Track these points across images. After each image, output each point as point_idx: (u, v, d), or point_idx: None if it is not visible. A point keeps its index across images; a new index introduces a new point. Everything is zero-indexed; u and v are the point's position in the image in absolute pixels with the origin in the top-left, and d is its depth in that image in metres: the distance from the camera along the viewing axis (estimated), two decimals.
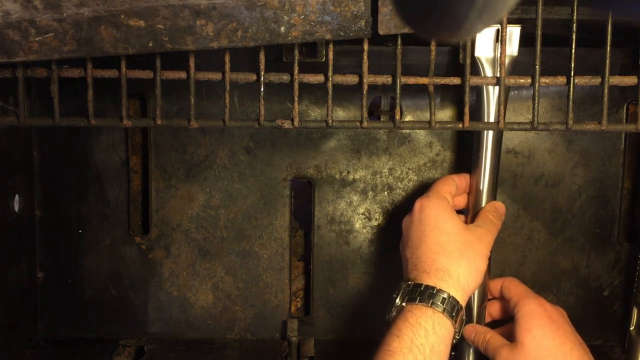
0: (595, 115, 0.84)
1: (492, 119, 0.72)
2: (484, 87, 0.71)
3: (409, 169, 0.87)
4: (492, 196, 0.77)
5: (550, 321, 0.71)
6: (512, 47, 0.70)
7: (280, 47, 0.75)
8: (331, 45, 0.62)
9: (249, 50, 0.60)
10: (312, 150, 0.87)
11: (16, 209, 0.82)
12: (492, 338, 0.73)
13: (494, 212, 0.75)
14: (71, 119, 0.65)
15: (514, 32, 0.70)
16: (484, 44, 0.70)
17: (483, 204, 0.76)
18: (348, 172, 0.87)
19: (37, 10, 0.55)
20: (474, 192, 0.77)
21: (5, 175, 0.80)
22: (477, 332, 0.75)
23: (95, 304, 0.89)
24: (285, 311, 0.89)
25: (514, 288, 0.76)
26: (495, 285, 0.78)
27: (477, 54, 0.71)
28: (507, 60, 0.66)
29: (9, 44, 0.56)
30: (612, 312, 0.89)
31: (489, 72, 0.71)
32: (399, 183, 0.87)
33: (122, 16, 0.56)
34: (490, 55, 0.71)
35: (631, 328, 0.81)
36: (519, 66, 0.72)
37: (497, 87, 0.70)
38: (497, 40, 0.70)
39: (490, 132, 0.74)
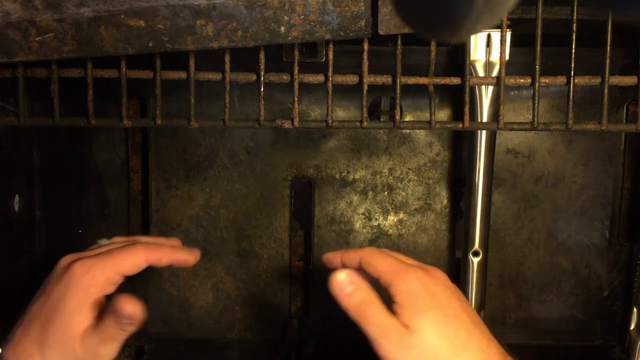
0: (595, 115, 0.84)
1: (485, 119, 0.73)
2: (476, 87, 0.72)
3: (409, 169, 0.87)
4: (488, 196, 0.77)
5: (436, 303, 0.54)
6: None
7: (280, 47, 0.75)
8: (331, 45, 0.62)
9: (249, 50, 0.60)
10: (312, 150, 0.87)
11: (16, 209, 0.82)
12: (378, 312, 0.56)
13: None
14: (71, 119, 0.65)
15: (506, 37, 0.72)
16: (476, 49, 0.71)
17: (478, 204, 0.77)
18: (348, 172, 0.87)
19: (37, 10, 0.55)
20: (469, 192, 0.78)
21: (5, 175, 0.80)
22: (358, 287, 0.57)
23: None
24: (285, 311, 0.89)
25: (379, 264, 0.57)
26: (352, 258, 0.59)
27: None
28: (497, 63, 0.66)
29: (9, 44, 0.56)
30: (612, 312, 0.89)
31: (481, 75, 0.73)
32: (399, 183, 0.87)
33: (122, 16, 0.56)
34: (482, 59, 0.72)
35: (631, 328, 0.81)
36: (518, 66, 0.72)
37: (490, 88, 0.72)
38: (487, 45, 0.72)
39: (484, 132, 0.75)
